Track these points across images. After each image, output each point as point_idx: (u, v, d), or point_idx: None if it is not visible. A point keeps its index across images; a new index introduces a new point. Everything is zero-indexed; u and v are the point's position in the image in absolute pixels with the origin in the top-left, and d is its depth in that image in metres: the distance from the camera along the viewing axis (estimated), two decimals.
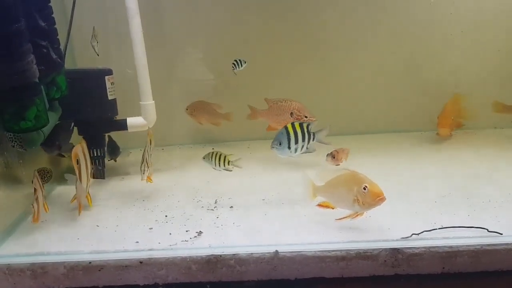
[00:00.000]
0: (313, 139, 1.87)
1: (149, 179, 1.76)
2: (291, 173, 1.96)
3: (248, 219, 1.58)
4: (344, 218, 1.45)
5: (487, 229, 1.40)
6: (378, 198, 1.37)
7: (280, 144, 1.82)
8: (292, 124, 1.82)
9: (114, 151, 2.07)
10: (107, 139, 2.03)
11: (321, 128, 1.91)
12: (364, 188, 1.38)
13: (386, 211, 1.47)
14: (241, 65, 1.98)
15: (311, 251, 1.37)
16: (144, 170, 1.72)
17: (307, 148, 1.86)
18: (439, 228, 1.43)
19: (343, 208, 1.46)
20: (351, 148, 1.96)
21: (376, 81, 2.32)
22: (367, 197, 1.39)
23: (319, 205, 1.52)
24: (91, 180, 1.73)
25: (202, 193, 1.80)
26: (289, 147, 1.81)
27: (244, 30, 2.27)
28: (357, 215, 1.43)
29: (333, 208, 1.50)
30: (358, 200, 1.40)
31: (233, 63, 1.99)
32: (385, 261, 1.37)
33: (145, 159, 1.73)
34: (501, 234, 1.38)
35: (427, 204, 1.60)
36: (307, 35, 2.27)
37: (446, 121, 2.15)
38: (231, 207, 1.67)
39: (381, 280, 1.37)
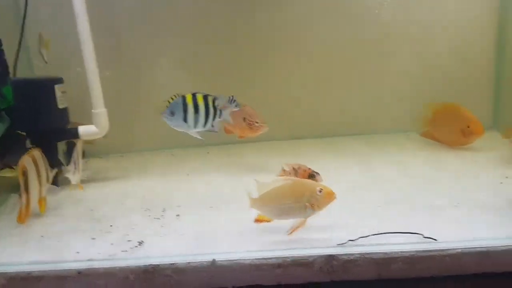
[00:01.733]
0: (220, 115, 1.75)
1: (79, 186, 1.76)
2: (249, 178, 1.93)
3: (192, 227, 1.58)
4: (297, 228, 1.44)
5: (423, 235, 1.41)
6: (333, 196, 1.41)
7: (172, 114, 1.68)
8: (194, 95, 1.69)
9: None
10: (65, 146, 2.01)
11: (228, 105, 1.81)
12: (320, 191, 1.40)
13: (328, 216, 1.48)
14: None
15: (248, 259, 1.38)
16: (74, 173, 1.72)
17: (212, 125, 1.73)
18: (376, 234, 1.43)
19: (288, 219, 1.45)
20: (308, 151, 1.97)
21: (332, 83, 2.32)
22: (321, 199, 1.41)
23: (256, 220, 1.48)
24: (47, 185, 1.72)
25: (152, 201, 1.80)
26: (185, 120, 1.68)
27: (205, 32, 2.28)
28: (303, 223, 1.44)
29: (269, 221, 1.47)
30: (312, 204, 1.41)
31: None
32: (320, 267, 1.37)
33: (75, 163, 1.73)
34: (436, 240, 1.39)
35: (370, 209, 1.61)
36: (266, 37, 2.28)
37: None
38: (178, 215, 1.68)
39: (317, 287, 1.38)
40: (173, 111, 1.67)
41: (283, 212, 1.44)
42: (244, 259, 1.38)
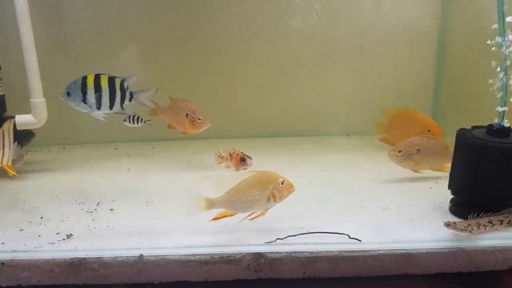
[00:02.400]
0: (131, 99, 1.70)
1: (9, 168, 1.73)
2: (191, 174, 1.96)
3: (124, 222, 1.58)
4: (257, 217, 1.48)
5: (349, 236, 1.45)
6: (292, 189, 1.46)
7: (68, 94, 1.62)
8: (97, 76, 1.64)
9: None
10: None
11: (147, 88, 1.78)
12: (282, 183, 1.45)
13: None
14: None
15: (175, 255, 1.38)
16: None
17: (122, 108, 1.69)
18: (304, 234, 1.46)
19: (252, 210, 1.47)
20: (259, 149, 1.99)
21: (279, 85, 2.34)
22: (283, 191, 1.45)
23: (215, 218, 1.46)
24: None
25: (87, 195, 1.78)
26: (84, 101, 1.62)
27: (152, 27, 2.25)
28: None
29: (232, 216, 1.48)
30: (274, 196, 1.45)
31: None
32: (248, 265, 1.39)
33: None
34: (360, 241, 1.43)
35: (303, 208, 1.64)
36: (214, 39, 2.28)
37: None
38: (111, 209, 1.66)
39: (244, 284, 1.39)
40: (70, 92, 1.62)
41: (249, 204, 1.46)
42: (172, 255, 1.38)
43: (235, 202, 1.45)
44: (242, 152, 1.79)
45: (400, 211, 1.62)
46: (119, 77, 1.65)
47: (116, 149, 2.30)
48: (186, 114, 1.96)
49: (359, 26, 2.28)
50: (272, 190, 1.44)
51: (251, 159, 1.78)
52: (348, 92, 2.38)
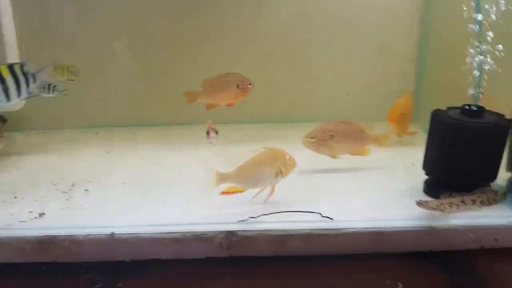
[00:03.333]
0: (34, 81, 1.65)
1: None
2: (171, 158, 1.96)
3: (98, 201, 1.57)
4: (271, 194, 1.52)
5: (321, 214, 1.45)
6: (296, 164, 1.53)
7: None
8: None
9: None
10: None
11: (41, 67, 1.71)
12: (289, 159, 1.50)
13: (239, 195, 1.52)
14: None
15: (147, 233, 1.38)
16: None
17: (29, 92, 1.64)
18: (277, 212, 1.46)
19: (261, 186, 1.51)
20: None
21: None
22: (289, 166, 1.51)
23: (224, 192, 1.49)
24: None
25: (63, 176, 1.76)
26: None
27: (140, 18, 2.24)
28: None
29: (242, 192, 1.51)
30: (282, 172, 1.49)
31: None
32: (220, 243, 1.39)
33: None
34: (332, 219, 1.43)
35: (279, 189, 1.63)
36: (205, 25, 2.26)
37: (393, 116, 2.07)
38: (86, 190, 1.66)
39: (216, 262, 1.39)
40: None
41: (258, 180, 1.49)
42: (143, 233, 1.38)
43: (246, 177, 1.47)
44: (210, 126, 1.80)
45: (375, 192, 1.62)
46: (17, 63, 1.62)
47: (96, 133, 2.29)
48: (237, 85, 1.98)
49: (343, 15, 2.27)
50: (280, 166, 1.48)
51: (215, 133, 1.77)
52: (335, 79, 2.37)
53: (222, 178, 1.45)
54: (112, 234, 1.37)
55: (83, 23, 2.19)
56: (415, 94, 2.33)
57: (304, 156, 1.89)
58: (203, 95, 2.04)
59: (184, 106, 2.04)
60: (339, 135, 1.77)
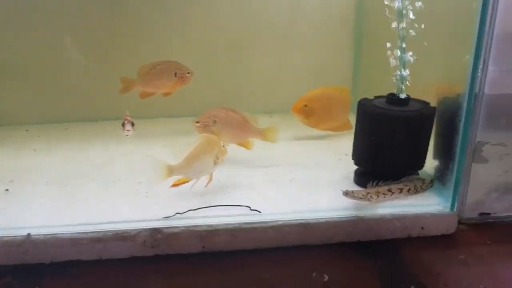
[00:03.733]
0: None
1: None
2: (99, 154, 1.90)
3: (17, 202, 1.50)
4: (210, 181, 1.53)
5: (250, 207, 1.42)
6: (227, 151, 1.55)
7: None
8: None
9: None
10: None
11: None
12: (224, 146, 1.51)
13: (167, 190, 1.49)
14: None
15: (65, 233, 1.32)
16: None
17: None
18: (205, 207, 1.43)
19: (204, 175, 1.51)
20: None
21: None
22: (224, 153, 1.53)
23: (174, 185, 1.48)
24: None
25: None
26: None
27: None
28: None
29: (188, 181, 1.49)
30: (218, 158, 1.50)
31: None
32: (144, 241, 1.34)
33: None
34: (260, 212, 1.41)
35: (210, 183, 1.60)
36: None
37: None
38: (7, 190, 1.57)
39: (141, 262, 1.34)
40: None
41: (202, 169, 1.49)
42: (62, 233, 1.32)
43: (192, 167, 1.46)
44: (126, 117, 1.70)
45: (306, 183, 1.61)
46: None
47: (26, 130, 2.19)
48: (175, 73, 1.92)
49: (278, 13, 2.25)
50: (218, 154, 1.49)
51: (131, 125, 1.67)
52: (270, 72, 2.34)
53: (171, 170, 1.43)
54: (29, 235, 1.31)
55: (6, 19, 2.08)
56: (353, 86, 2.34)
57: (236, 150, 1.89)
58: (138, 83, 1.95)
59: (119, 100, 1.96)
60: (223, 121, 1.73)
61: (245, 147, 1.76)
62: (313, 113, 1.98)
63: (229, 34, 2.26)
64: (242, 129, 1.74)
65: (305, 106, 1.97)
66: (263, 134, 1.74)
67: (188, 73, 1.95)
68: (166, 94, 1.98)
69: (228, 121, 1.73)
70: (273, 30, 2.28)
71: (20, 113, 2.24)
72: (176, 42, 2.22)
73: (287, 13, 2.27)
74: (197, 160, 1.47)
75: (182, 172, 1.46)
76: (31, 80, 2.18)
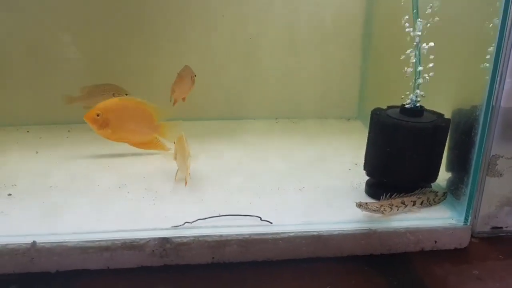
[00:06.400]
0: None
1: None
2: (104, 159, 1.86)
3: (21, 207, 1.46)
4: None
5: (260, 218, 1.39)
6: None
7: None
8: None
9: None
10: None
11: None
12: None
13: (175, 198, 1.49)
14: None
15: (72, 241, 1.28)
16: None
17: None
18: (215, 217, 1.40)
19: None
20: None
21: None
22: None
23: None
24: None
25: None
26: None
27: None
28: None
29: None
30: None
31: None
32: (153, 251, 1.31)
33: None
34: (271, 223, 1.38)
35: (217, 191, 1.57)
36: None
37: None
38: (9, 194, 1.54)
39: (149, 272, 1.31)
40: None
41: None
42: (68, 241, 1.28)
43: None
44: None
45: (316, 193, 1.58)
46: None
47: (28, 132, 2.15)
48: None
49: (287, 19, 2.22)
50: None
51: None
52: (276, 79, 2.32)
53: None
54: (34, 243, 1.27)
55: None
56: (361, 94, 2.32)
57: (242, 156, 1.86)
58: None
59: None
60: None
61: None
62: (107, 123, 1.75)
63: (238, 41, 2.24)
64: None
65: (98, 115, 1.73)
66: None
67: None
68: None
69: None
70: (281, 37, 2.26)
71: (20, 114, 2.20)
72: (183, 48, 2.19)
73: (296, 21, 2.24)
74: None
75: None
76: (32, 80, 2.14)
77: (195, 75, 1.91)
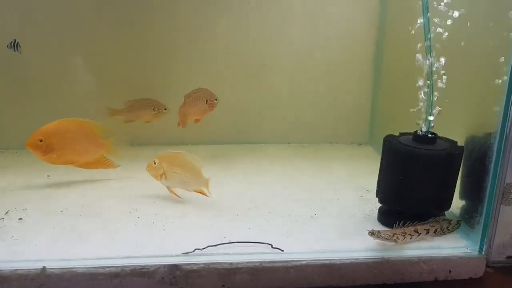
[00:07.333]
0: None
1: None
2: (116, 181, 1.86)
3: (31, 232, 1.45)
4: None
5: (272, 245, 1.38)
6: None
7: None
8: None
9: None
10: None
11: None
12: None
13: (184, 224, 1.49)
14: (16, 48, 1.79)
15: (82, 267, 1.27)
16: None
17: None
18: (225, 243, 1.38)
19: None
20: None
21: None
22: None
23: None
24: None
25: None
26: None
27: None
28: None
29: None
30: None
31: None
32: (162, 278, 1.30)
33: None
34: (283, 251, 1.36)
35: (228, 217, 1.56)
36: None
37: None
38: (20, 218, 1.53)
39: None
40: None
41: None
42: (78, 267, 1.27)
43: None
44: None
45: (328, 220, 1.56)
46: None
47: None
48: (206, 100, 1.94)
49: (295, 34, 2.23)
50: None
51: None
52: (288, 103, 2.32)
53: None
54: (44, 269, 1.26)
55: None
56: (371, 118, 2.32)
57: (250, 183, 1.85)
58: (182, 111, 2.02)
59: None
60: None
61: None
62: (52, 148, 1.73)
63: (251, 66, 2.25)
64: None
65: (41, 141, 1.71)
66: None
67: (216, 99, 1.96)
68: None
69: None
70: (293, 62, 2.27)
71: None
72: (192, 69, 2.21)
73: (307, 47, 2.25)
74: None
75: None
76: (39, 102, 2.17)
77: (216, 99, 1.95)
